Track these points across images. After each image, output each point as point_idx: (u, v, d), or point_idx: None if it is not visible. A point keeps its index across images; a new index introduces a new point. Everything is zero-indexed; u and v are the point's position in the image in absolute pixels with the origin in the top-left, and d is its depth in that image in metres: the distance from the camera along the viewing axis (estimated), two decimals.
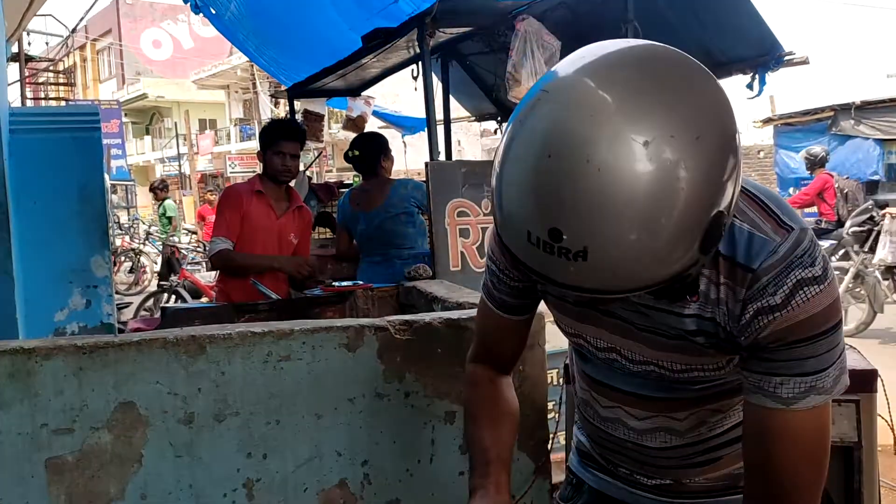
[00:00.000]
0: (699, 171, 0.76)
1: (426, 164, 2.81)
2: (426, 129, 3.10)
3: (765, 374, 0.92)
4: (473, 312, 1.80)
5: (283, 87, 4.88)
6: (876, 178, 11.02)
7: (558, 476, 2.15)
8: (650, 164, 0.74)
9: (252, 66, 22.83)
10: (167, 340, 1.57)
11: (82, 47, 33.48)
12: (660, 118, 0.75)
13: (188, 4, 4.62)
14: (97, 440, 1.53)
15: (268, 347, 1.62)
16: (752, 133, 13.03)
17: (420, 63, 3.36)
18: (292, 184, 3.46)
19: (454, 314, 1.79)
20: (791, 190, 10.98)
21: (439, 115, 4.79)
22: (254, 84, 23.04)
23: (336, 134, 17.05)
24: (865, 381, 1.63)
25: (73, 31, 14.28)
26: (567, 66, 0.82)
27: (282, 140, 3.09)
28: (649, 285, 0.80)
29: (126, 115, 30.29)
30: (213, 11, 4.32)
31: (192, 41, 33.77)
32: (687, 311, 0.96)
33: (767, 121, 11.81)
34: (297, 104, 4.70)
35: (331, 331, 1.67)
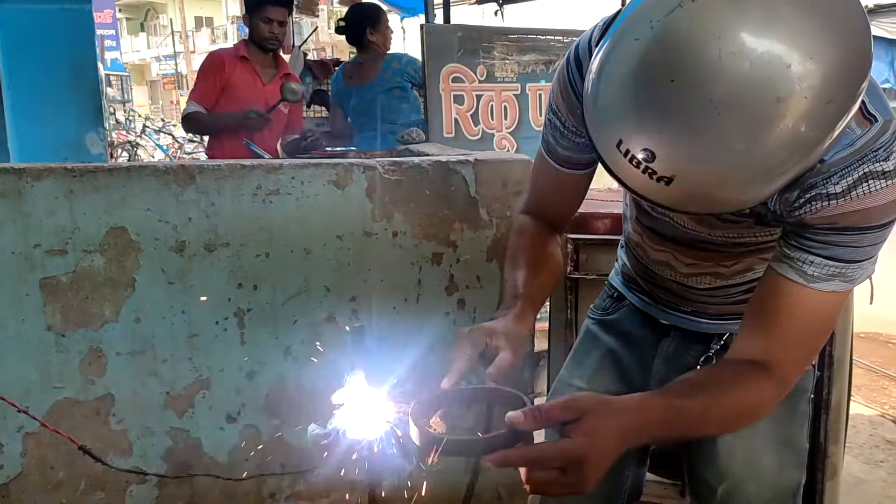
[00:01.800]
0: (816, 139, 0.74)
1: (421, 27, 2.76)
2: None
3: (800, 249, 0.91)
4: (463, 157, 1.82)
5: None
6: (887, 85, 10.83)
7: (541, 345, 2.21)
8: (775, 123, 0.70)
9: None
10: (157, 169, 1.59)
11: None
12: (801, 76, 0.69)
13: None
14: (90, 263, 1.56)
15: (257, 181, 1.63)
16: None
17: None
18: (287, 59, 3.40)
19: (443, 157, 1.80)
20: None
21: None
22: None
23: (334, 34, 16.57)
24: None
25: None
26: None
27: (269, 5, 3.01)
28: (725, 212, 0.82)
29: (120, 10, 29.40)
30: None
31: None
32: None
33: None
34: None
35: (319, 167, 1.68)
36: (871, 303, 1.85)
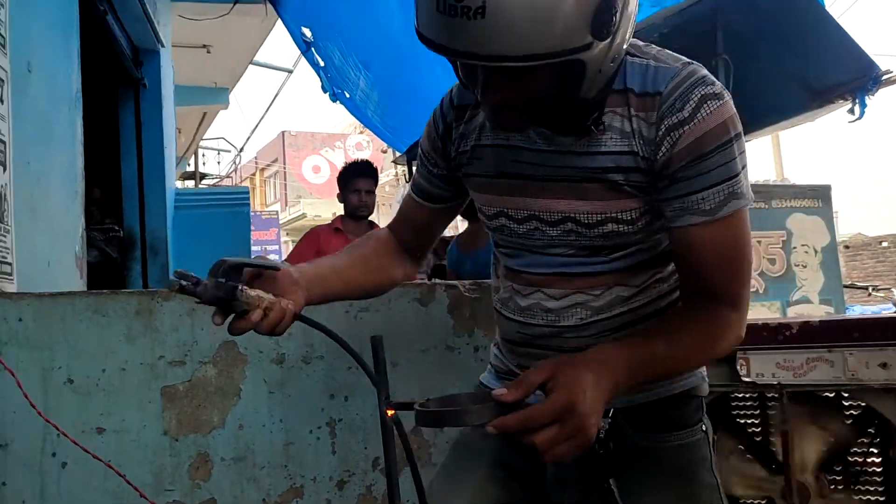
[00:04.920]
0: None
1: None
2: None
3: (686, 194, 1.00)
4: None
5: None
6: None
7: None
8: None
9: (398, 180, 24.32)
10: None
11: (252, 175, 37.04)
12: None
13: (327, 94, 5.22)
14: (204, 373, 1.77)
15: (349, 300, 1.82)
16: None
17: None
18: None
19: None
20: None
21: None
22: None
23: None
24: None
25: (241, 150, 16.19)
26: None
27: (356, 178, 3.44)
28: (545, 54, 0.86)
29: (287, 234, 32.79)
30: (347, 95, 4.87)
31: None
32: (603, 149, 1.03)
33: None
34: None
35: (405, 287, 1.86)
36: None
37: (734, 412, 1.86)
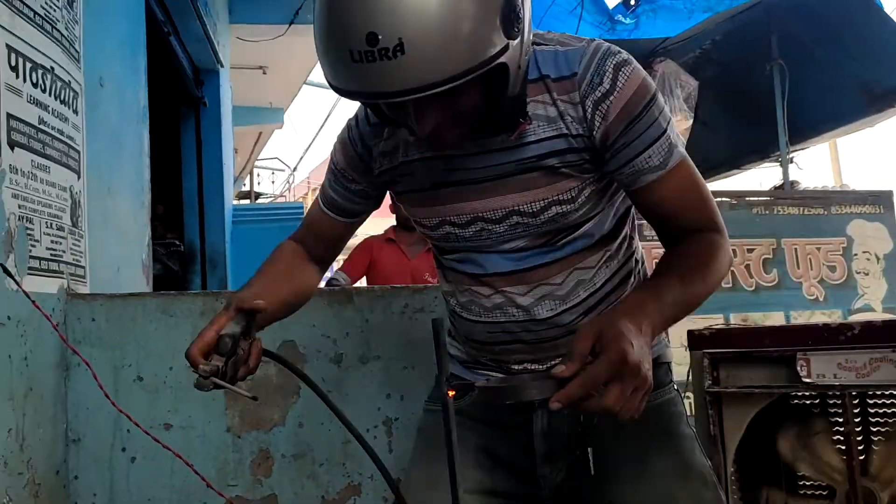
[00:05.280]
0: None
1: None
2: None
3: (633, 158, 1.05)
4: None
5: None
6: None
7: None
8: None
9: None
10: (322, 291, 1.87)
11: (305, 194, 37.72)
12: None
13: None
14: (265, 372, 1.82)
15: (405, 300, 1.86)
16: None
17: None
18: None
19: None
20: None
21: None
22: None
23: None
24: None
25: (294, 169, 16.53)
26: None
27: None
28: (470, 69, 0.87)
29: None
30: None
31: None
32: (532, 138, 1.06)
33: None
34: None
35: None
36: None
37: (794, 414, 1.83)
